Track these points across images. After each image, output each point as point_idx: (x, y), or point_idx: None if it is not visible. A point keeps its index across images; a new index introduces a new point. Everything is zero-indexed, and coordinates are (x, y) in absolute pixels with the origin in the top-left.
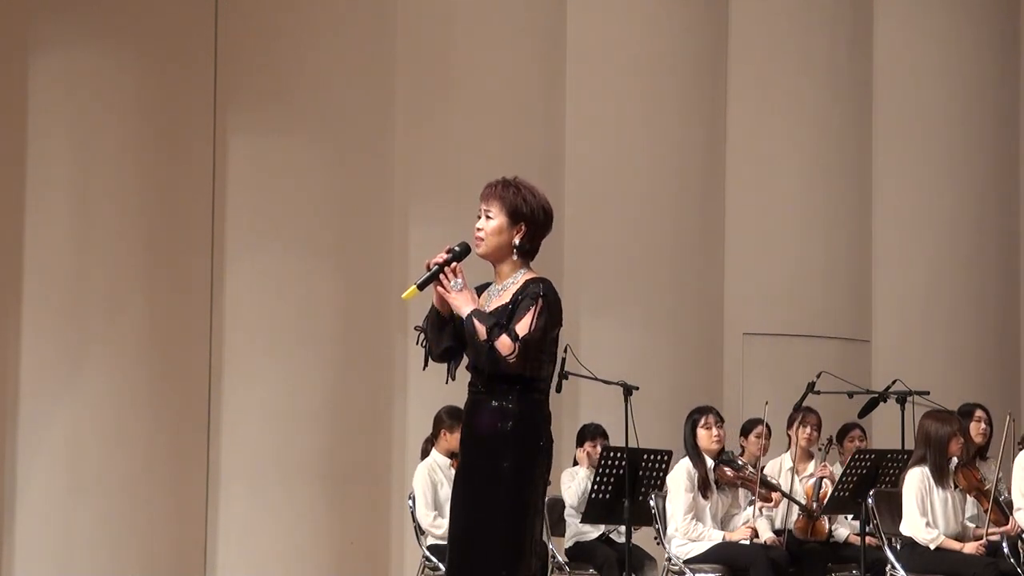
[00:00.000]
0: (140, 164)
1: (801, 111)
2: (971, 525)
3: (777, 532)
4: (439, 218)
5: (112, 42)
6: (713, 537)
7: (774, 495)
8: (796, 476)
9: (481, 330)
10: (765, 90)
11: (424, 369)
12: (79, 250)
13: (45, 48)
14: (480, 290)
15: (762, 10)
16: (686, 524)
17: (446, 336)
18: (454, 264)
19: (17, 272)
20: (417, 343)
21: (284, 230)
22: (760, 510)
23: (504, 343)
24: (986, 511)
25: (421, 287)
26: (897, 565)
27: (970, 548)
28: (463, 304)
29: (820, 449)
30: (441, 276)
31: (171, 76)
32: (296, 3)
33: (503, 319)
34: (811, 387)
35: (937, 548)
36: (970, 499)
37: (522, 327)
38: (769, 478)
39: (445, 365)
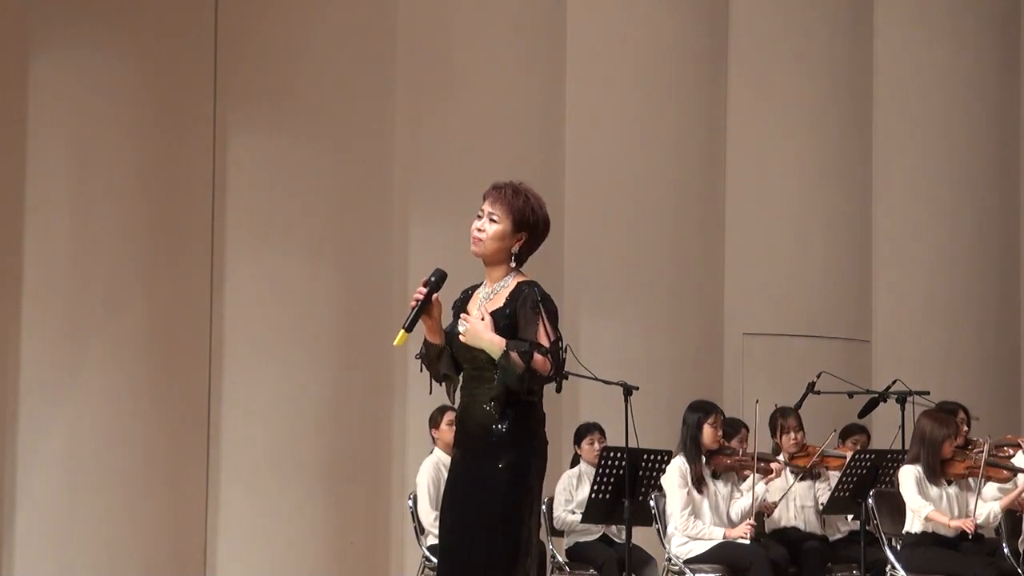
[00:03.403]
0: (140, 164)
1: (801, 111)
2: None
3: (778, 532)
4: (439, 218)
5: (112, 42)
6: (714, 535)
7: (773, 465)
8: (793, 476)
9: (518, 361)
10: (765, 89)
11: (430, 393)
12: (79, 250)
13: (45, 48)
14: (469, 290)
15: (762, 9)
16: (684, 521)
17: (443, 364)
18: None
19: (17, 272)
20: (420, 371)
21: (284, 230)
22: (766, 484)
23: (539, 361)
24: (989, 478)
25: (409, 329)
26: (897, 565)
27: (957, 523)
28: (491, 341)
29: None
30: (460, 325)
31: (171, 76)
32: (296, 3)
33: (495, 327)
34: (811, 387)
35: (936, 544)
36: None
37: (543, 338)
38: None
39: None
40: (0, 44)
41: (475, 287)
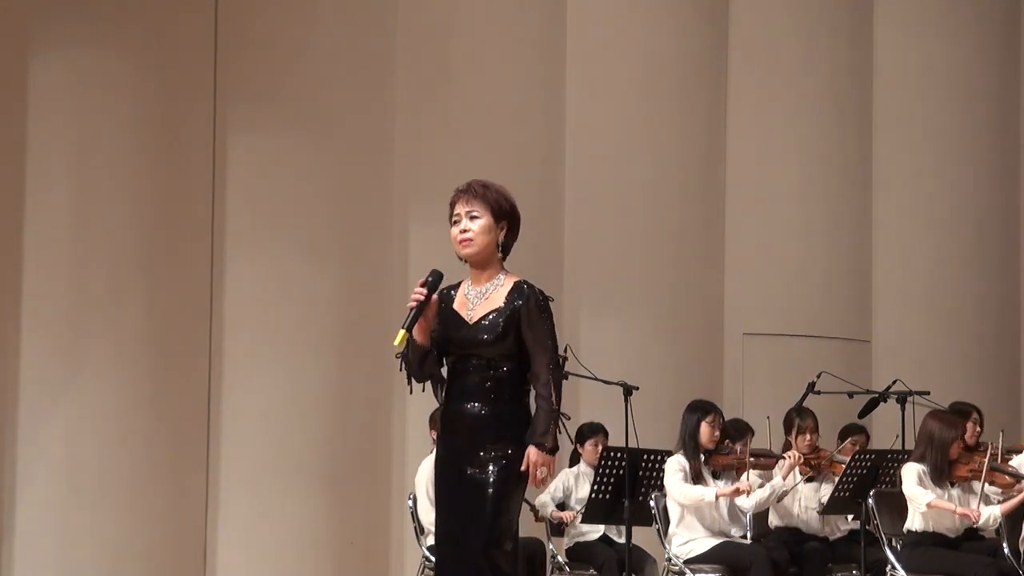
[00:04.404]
0: (140, 164)
1: (801, 111)
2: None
3: (779, 532)
4: (439, 218)
5: (112, 41)
6: (707, 496)
7: (787, 460)
8: (800, 478)
9: (555, 422)
10: (765, 90)
11: (411, 393)
12: (79, 250)
13: (45, 48)
14: (449, 290)
15: (762, 10)
16: (680, 488)
17: (429, 364)
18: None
19: (17, 272)
20: (400, 370)
21: (284, 230)
22: (784, 478)
23: (553, 394)
24: (991, 482)
25: (409, 329)
26: (897, 565)
27: (963, 510)
28: (552, 452)
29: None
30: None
31: (171, 75)
32: (296, 3)
33: (499, 326)
34: (811, 387)
35: (936, 544)
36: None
37: (546, 340)
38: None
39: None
40: (0, 43)
41: (452, 288)
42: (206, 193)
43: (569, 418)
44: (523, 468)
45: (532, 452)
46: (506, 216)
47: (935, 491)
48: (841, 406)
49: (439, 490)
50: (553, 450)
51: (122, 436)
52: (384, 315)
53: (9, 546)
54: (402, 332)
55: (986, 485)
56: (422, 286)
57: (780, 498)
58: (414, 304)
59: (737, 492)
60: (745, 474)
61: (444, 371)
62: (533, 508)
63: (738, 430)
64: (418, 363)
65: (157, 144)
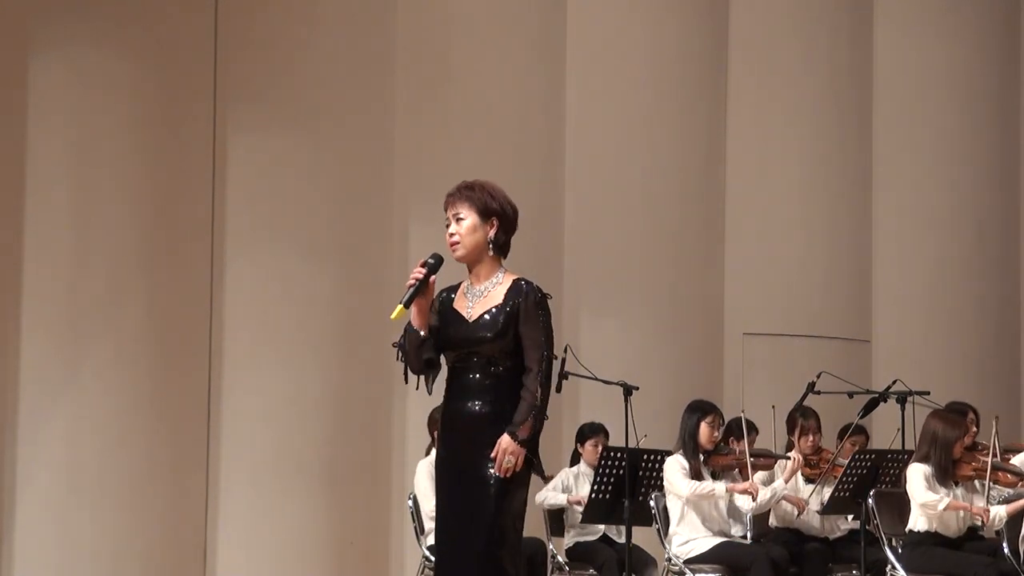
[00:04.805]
0: (140, 164)
1: (801, 111)
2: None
3: (779, 533)
4: (439, 217)
5: (112, 41)
6: (716, 490)
7: (791, 460)
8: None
9: (537, 417)
10: (765, 90)
11: (406, 383)
12: (79, 250)
13: (45, 48)
14: (449, 291)
15: (762, 10)
16: (688, 485)
17: (426, 349)
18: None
19: (17, 272)
20: (397, 359)
21: (284, 230)
22: (785, 481)
23: (539, 388)
24: (995, 482)
25: (407, 305)
26: (897, 565)
27: (977, 509)
28: (520, 444)
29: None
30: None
31: (171, 75)
32: (296, 3)
33: (499, 323)
34: (811, 387)
35: (937, 544)
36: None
37: (539, 337)
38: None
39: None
40: (0, 43)
41: (451, 289)
42: (206, 193)
43: (547, 418)
44: (492, 455)
45: (504, 439)
46: (494, 213)
47: (940, 492)
48: (841, 406)
49: (439, 489)
50: (526, 442)
51: (122, 436)
52: (384, 315)
53: (9, 546)
54: (400, 307)
55: (991, 483)
56: (422, 266)
57: (799, 512)
58: (413, 282)
59: (746, 491)
60: (752, 476)
61: (444, 369)
62: (539, 466)
63: (742, 429)
64: (415, 351)
65: (157, 144)
